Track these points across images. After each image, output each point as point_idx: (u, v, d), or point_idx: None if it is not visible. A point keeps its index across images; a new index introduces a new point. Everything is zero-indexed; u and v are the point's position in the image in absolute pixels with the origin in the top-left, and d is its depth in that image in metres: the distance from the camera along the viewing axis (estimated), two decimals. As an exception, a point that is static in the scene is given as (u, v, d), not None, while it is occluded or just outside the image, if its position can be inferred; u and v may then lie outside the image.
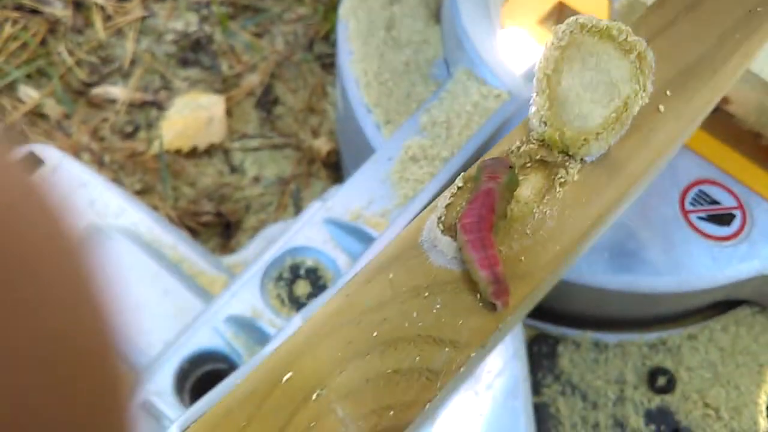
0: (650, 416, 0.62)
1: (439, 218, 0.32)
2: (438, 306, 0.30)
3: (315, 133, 0.78)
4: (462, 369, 0.31)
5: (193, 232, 0.70)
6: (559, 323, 0.65)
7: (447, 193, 0.33)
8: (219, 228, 0.72)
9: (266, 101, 0.79)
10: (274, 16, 0.83)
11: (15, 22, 0.81)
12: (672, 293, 0.59)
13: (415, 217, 0.33)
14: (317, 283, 0.54)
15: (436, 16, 0.67)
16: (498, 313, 0.30)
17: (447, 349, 0.30)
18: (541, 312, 0.65)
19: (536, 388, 0.63)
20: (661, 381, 0.62)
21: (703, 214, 0.60)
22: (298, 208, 0.75)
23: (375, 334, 0.30)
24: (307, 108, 0.79)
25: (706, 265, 0.59)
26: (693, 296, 0.60)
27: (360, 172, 0.57)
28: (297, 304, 0.53)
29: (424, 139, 0.56)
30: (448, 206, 0.32)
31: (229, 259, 0.69)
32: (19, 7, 0.82)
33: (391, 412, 0.29)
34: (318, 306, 0.45)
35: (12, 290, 0.15)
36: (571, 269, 0.59)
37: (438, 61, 0.65)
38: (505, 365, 0.56)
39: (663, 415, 0.62)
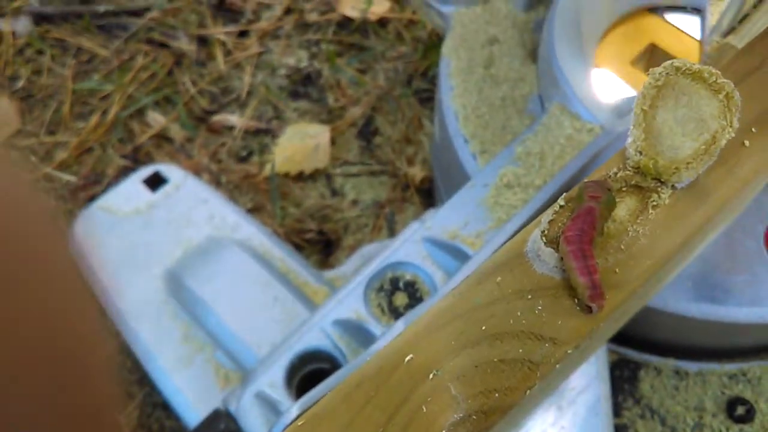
0: (730, 445, 0.63)
1: (543, 232, 0.36)
2: (540, 307, 0.35)
3: (410, 162, 0.83)
4: (558, 365, 0.35)
5: (298, 247, 0.76)
6: (642, 350, 0.67)
7: (550, 211, 0.37)
8: (320, 245, 0.78)
9: (367, 131, 0.86)
10: (377, 54, 0.90)
11: (146, 54, 0.91)
12: (752, 324, 0.61)
13: (510, 238, 0.38)
14: (415, 295, 0.59)
15: (532, 55, 0.72)
16: (593, 316, 0.34)
17: (547, 344, 0.34)
18: (624, 338, 0.68)
19: (617, 410, 0.65)
20: (740, 411, 0.64)
21: (787, 250, 0.63)
22: (392, 230, 0.81)
23: (483, 327, 0.35)
24: (403, 138, 0.85)
25: (790, 299, 0.61)
26: (776, 329, 0.62)
27: (457, 196, 0.62)
28: (395, 313, 0.58)
29: (519, 168, 0.61)
30: (550, 222, 0.37)
31: (329, 274, 0.75)
32: (149, 41, 0.92)
33: (497, 395, 0.33)
34: (419, 314, 0.50)
35: None
36: (656, 297, 0.62)
37: (533, 97, 0.69)
38: (589, 384, 0.59)
39: (743, 445, 0.64)
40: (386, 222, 0.80)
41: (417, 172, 0.82)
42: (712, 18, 0.72)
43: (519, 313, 0.35)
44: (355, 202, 0.81)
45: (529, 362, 0.34)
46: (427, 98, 0.88)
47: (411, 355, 0.34)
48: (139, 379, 0.71)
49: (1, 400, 0.14)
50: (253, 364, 0.62)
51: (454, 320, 0.35)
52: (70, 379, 0.16)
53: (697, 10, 0.75)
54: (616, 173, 0.38)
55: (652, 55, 0.73)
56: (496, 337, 0.34)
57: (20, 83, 0.88)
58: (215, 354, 0.65)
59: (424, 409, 0.33)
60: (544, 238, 0.36)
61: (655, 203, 0.37)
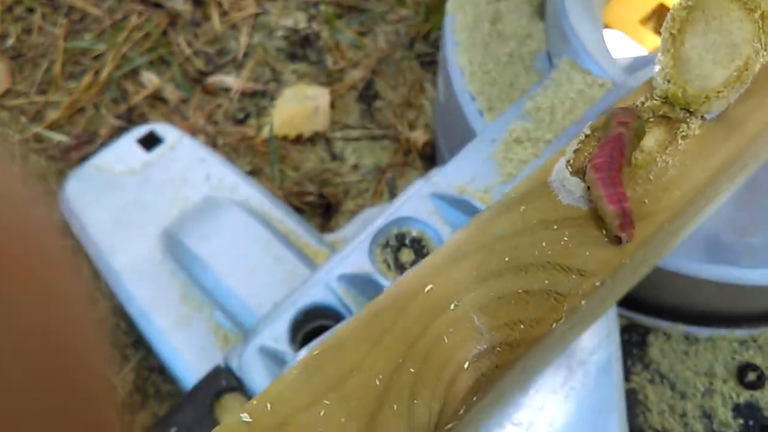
0: (738, 410, 0.62)
1: (568, 161, 0.35)
2: (566, 238, 0.33)
3: (412, 126, 0.81)
4: (584, 301, 0.33)
5: (298, 211, 0.74)
6: (651, 314, 0.66)
7: (575, 140, 0.35)
8: (320, 209, 0.76)
9: (367, 95, 0.84)
10: (377, 16, 0.88)
11: (140, 14, 0.88)
12: (766, 286, 0.60)
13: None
14: (421, 251, 0.57)
15: (540, 12, 0.70)
16: (622, 247, 0.33)
17: (574, 276, 0.32)
18: (633, 302, 0.66)
19: (626, 375, 0.64)
20: (751, 377, 0.63)
21: (803, 211, 0.61)
22: (393, 195, 0.79)
23: (507, 258, 0.33)
24: (405, 102, 0.83)
25: (804, 260, 0.59)
26: (789, 290, 0.61)
27: (464, 151, 0.60)
28: (402, 269, 0.56)
29: (528, 123, 0.59)
30: (576, 151, 0.35)
31: (330, 237, 0.73)
32: (143, 1, 0.89)
33: (522, 326, 0.31)
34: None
35: None
36: (668, 257, 0.60)
37: (541, 55, 0.68)
38: (599, 344, 0.58)
39: (751, 410, 0.62)
40: (387, 187, 0.79)
41: (419, 137, 0.80)
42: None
43: (544, 244, 0.33)
44: (355, 167, 0.79)
45: (555, 293, 0.32)
46: (429, 62, 0.86)
47: (430, 286, 0.32)
48: (134, 341, 0.69)
49: None
50: (253, 324, 0.60)
51: (476, 251, 0.33)
52: (65, 377, 0.16)
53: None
54: (643, 103, 0.36)
55: (661, 15, 0.72)
56: (521, 268, 0.32)
57: (10, 42, 0.86)
58: (214, 314, 0.63)
59: (446, 340, 0.31)
60: (569, 168, 0.34)
61: (684, 134, 0.36)
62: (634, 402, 0.62)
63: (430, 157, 0.81)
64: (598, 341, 0.57)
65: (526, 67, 0.67)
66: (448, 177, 0.58)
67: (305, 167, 0.79)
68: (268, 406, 0.29)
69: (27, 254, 0.16)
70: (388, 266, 0.56)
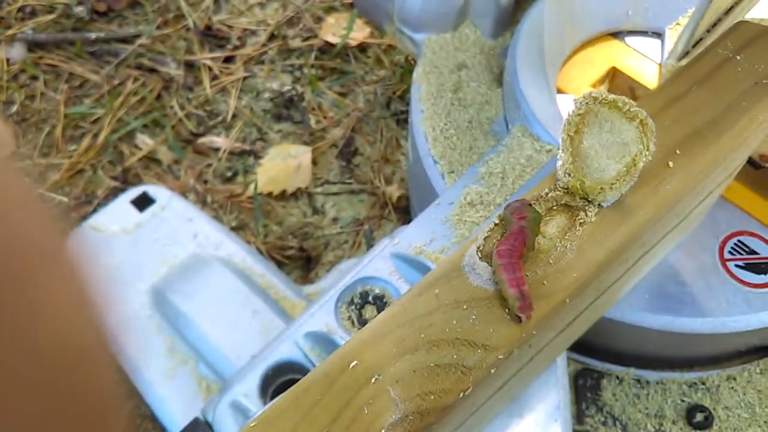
0: (688, 450, 0.66)
1: (479, 248, 0.40)
2: (474, 316, 0.38)
3: (388, 181, 0.87)
4: (492, 370, 0.38)
5: (279, 264, 0.80)
6: (604, 359, 0.70)
7: (486, 228, 0.41)
8: (301, 261, 0.82)
9: (347, 152, 0.89)
10: (357, 78, 0.94)
11: (136, 79, 0.95)
12: (708, 334, 0.64)
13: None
14: (383, 308, 0.62)
15: (499, 79, 0.76)
16: (522, 325, 0.38)
17: (479, 350, 0.37)
18: (587, 348, 0.71)
19: (579, 417, 0.68)
20: (699, 417, 0.67)
21: (740, 263, 0.66)
22: (370, 247, 0.84)
23: (422, 335, 0.38)
24: (382, 158, 0.88)
25: (742, 309, 0.64)
26: (729, 338, 0.65)
27: (424, 214, 0.65)
28: (364, 325, 0.61)
29: (482, 187, 0.65)
30: (485, 238, 0.40)
31: (309, 288, 0.78)
32: (139, 67, 0.96)
33: (432, 397, 0.36)
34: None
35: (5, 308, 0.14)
36: (615, 308, 0.65)
37: (499, 119, 0.73)
38: (547, 392, 0.62)
39: (701, 451, 0.66)
40: (365, 239, 0.84)
41: (394, 191, 0.86)
42: (670, 42, 0.76)
43: (455, 322, 0.38)
44: (335, 220, 0.85)
45: (462, 367, 0.37)
46: (405, 120, 0.92)
47: (356, 361, 0.37)
48: (127, 391, 0.75)
49: (6, 403, 0.14)
50: (232, 375, 0.65)
51: (397, 329, 0.38)
52: (73, 380, 0.17)
53: (657, 35, 0.78)
54: (547, 193, 0.42)
55: (614, 78, 0.77)
56: (433, 344, 0.38)
57: (15, 107, 0.92)
58: (198, 366, 0.69)
59: (366, 411, 0.36)
60: (479, 253, 0.39)
61: (582, 221, 0.41)
62: (588, 444, 0.67)
63: (405, 210, 0.86)
64: (546, 389, 0.62)
65: (485, 132, 0.72)
66: (409, 238, 0.64)
67: (288, 222, 0.84)
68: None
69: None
70: (353, 323, 0.62)
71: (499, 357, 0.37)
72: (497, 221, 0.41)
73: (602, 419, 0.67)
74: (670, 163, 0.43)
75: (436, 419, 0.36)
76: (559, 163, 0.41)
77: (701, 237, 0.67)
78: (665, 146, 0.42)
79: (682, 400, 0.68)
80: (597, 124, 0.40)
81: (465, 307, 0.38)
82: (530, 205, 0.39)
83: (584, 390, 0.69)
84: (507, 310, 0.38)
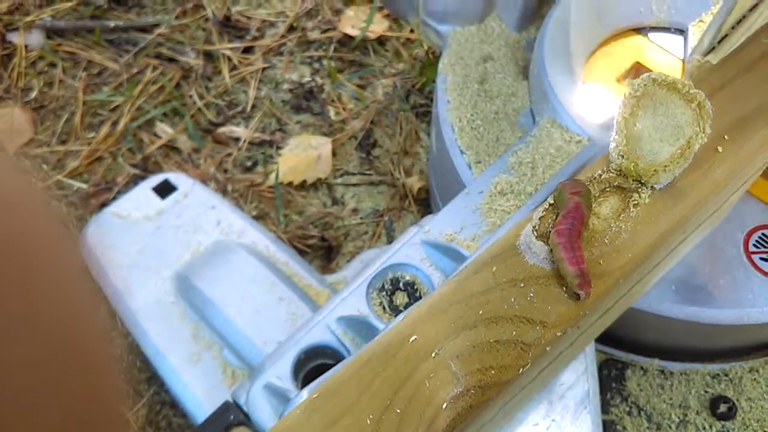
0: (712, 441, 0.67)
1: (534, 227, 0.40)
2: (531, 294, 0.38)
3: (408, 173, 0.87)
4: (548, 348, 0.38)
5: (301, 253, 0.80)
6: (629, 350, 0.71)
7: (540, 209, 0.41)
8: (322, 251, 0.82)
9: (366, 144, 0.89)
10: (376, 71, 0.94)
11: (155, 68, 0.94)
12: (733, 325, 0.65)
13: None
14: (414, 294, 0.62)
15: (524, 72, 0.76)
16: (580, 303, 0.38)
17: (538, 327, 0.38)
18: (612, 339, 0.71)
19: (605, 407, 0.69)
20: (723, 408, 0.68)
21: (765, 256, 0.66)
22: (390, 238, 0.84)
23: (480, 312, 0.38)
24: (401, 150, 0.89)
25: (766, 300, 0.64)
26: (753, 330, 0.66)
27: (453, 202, 0.65)
28: (396, 311, 0.61)
29: (512, 176, 0.65)
30: (540, 218, 0.40)
31: (330, 278, 0.78)
32: (158, 56, 0.96)
33: (493, 372, 0.36)
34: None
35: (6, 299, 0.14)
36: (642, 299, 0.66)
37: (524, 111, 0.73)
38: (577, 380, 0.63)
39: (724, 441, 0.67)
40: (385, 230, 0.84)
41: (414, 183, 0.86)
42: (694, 38, 0.77)
43: (512, 300, 0.38)
44: (355, 211, 0.85)
45: (522, 343, 0.37)
46: (424, 113, 0.92)
47: (415, 336, 0.37)
48: (147, 378, 0.74)
49: (8, 401, 0.14)
50: (259, 361, 0.65)
51: (453, 305, 0.39)
52: (77, 382, 0.17)
53: (680, 31, 0.79)
54: (600, 175, 0.42)
55: (638, 73, 0.77)
56: (492, 321, 0.38)
57: (33, 94, 0.92)
58: (223, 352, 0.69)
59: (427, 384, 0.36)
60: (535, 233, 0.40)
61: (635, 202, 0.41)
62: (612, 434, 0.67)
63: (425, 201, 0.86)
64: (576, 377, 0.62)
65: (511, 123, 0.72)
66: (439, 226, 0.64)
67: (308, 212, 0.84)
68: (276, 441, 0.34)
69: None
70: (384, 309, 0.62)
71: (557, 334, 0.38)
72: (552, 201, 0.41)
73: (627, 409, 0.68)
74: (719, 148, 0.44)
75: (497, 394, 0.36)
76: (613, 145, 0.42)
77: (726, 230, 0.67)
78: (714, 131, 0.43)
79: (706, 391, 0.68)
80: (652, 107, 0.41)
81: (522, 285, 0.39)
82: (584, 183, 0.40)
83: (609, 380, 0.70)
84: (564, 289, 0.38)
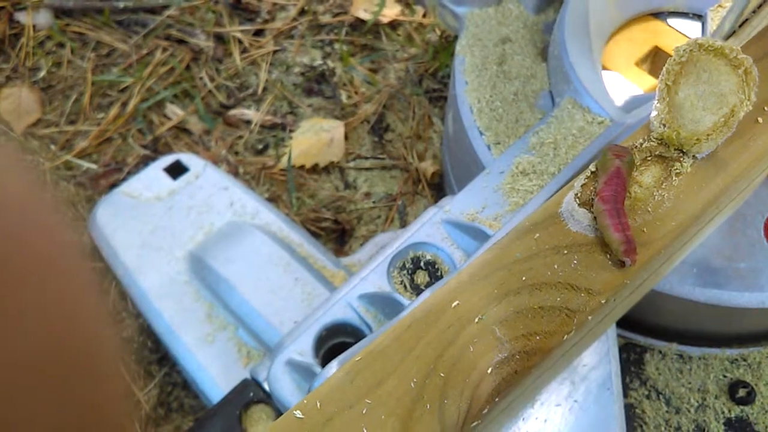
0: (730, 424, 0.66)
1: (576, 195, 0.39)
2: (575, 261, 0.38)
3: (421, 157, 0.86)
4: (591, 317, 0.38)
5: (314, 235, 0.79)
6: (648, 335, 0.70)
7: (582, 176, 0.40)
8: (335, 234, 0.81)
9: (379, 128, 0.89)
10: (388, 55, 0.93)
11: (164, 49, 0.93)
12: (752, 309, 0.65)
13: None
14: (435, 273, 0.62)
15: (543, 54, 0.76)
16: (625, 270, 0.37)
17: (583, 294, 0.37)
18: (631, 323, 0.71)
19: (624, 390, 0.68)
20: (741, 393, 0.67)
21: (785, 239, 0.66)
22: (403, 222, 0.83)
23: (524, 278, 0.37)
24: (414, 135, 0.88)
25: (788, 284, 0.64)
26: (774, 313, 0.65)
27: (473, 183, 0.65)
28: (417, 290, 0.61)
29: (534, 156, 0.64)
30: (583, 186, 0.40)
31: (344, 260, 0.77)
32: (168, 37, 0.95)
33: (537, 337, 0.36)
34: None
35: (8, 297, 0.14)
36: (663, 281, 0.65)
37: (543, 93, 0.73)
38: (600, 361, 0.62)
39: (742, 425, 0.67)
40: (398, 214, 0.83)
41: (428, 167, 0.85)
42: (713, 23, 0.77)
43: (556, 266, 0.38)
44: (367, 195, 0.84)
45: (567, 309, 0.37)
46: (437, 97, 0.91)
47: (457, 301, 0.37)
48: (158, 358, 0.73)
49: (7, 399, 0.14)
50: (275, 341, 0.64)
51: (496, 271, 0.38)
52: (76, 379, 0.16)
53: (698, 16, 0.79)
54: (641, 144, 0.41)
55: (656, 57, 0.77)
56: (536, 287, 0.37)
57: (41, 74, 0.91)
58: (238, 332, 0.68)
59: (471, 349, 0.35)
60: (577, 200, 0.39)
61: (677, 171, 0.40)
62: (632, 416, 0.67)
63: (438, 186, 0.86)
64: (599, 358, 0.62)
65: (530, 104, 0.72)
66: (460, 206, 0.63)
67: (321, 195, 0.83)
68: (318, 404, 0.33)
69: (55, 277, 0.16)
70: (405, 287, 0.61)
71: (602, 302, 0.37)
72: (594, 169, 0.40)
73: (646, 393, 0.67)
74: (759, 119, 0.43)
75: (541, 360, 0.36)
76: (654, 113, 0.41)
77: (747, 214, 0.67)
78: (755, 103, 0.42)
79: (724, 376, 0.68)
80: (695, 74, 0.40)
81: (566, 252, 0.38)
82: (629, 150, 0.39)
83: (628, 364, 0.69)
84: (608, 256, 0.38)
